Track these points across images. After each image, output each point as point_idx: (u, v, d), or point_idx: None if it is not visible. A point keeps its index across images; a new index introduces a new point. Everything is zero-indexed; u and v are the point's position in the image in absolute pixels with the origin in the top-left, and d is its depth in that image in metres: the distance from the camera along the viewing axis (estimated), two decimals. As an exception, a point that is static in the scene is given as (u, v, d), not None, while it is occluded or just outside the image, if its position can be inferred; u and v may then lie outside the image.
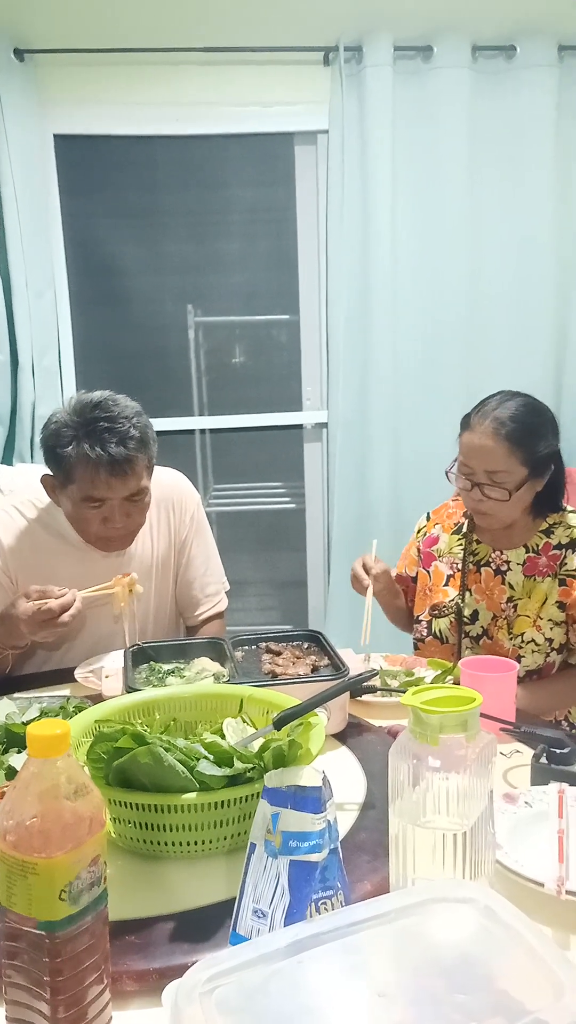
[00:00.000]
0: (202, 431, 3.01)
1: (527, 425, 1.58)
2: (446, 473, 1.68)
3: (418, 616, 1.80)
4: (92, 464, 1.53)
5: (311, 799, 0.77)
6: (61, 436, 1.56)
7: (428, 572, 1.80)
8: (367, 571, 1.71)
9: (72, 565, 1.69)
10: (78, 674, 1.58)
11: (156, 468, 1.84)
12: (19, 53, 2.54)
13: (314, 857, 0.76)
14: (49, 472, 1.64)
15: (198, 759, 0.94)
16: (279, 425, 2.97)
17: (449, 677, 1.47)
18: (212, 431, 3.01)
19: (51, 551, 1.70)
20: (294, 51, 2.61)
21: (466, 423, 1.63)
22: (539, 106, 2.65)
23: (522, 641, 1.65)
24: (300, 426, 2.97)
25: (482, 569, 1.72)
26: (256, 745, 1.01)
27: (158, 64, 2.61)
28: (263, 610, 3.23)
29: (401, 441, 2.79)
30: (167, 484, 1.83)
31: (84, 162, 2.78)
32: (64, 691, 1.51)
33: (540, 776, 1.11)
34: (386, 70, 2.58)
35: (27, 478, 2.08)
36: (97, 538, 1.66)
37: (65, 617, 1.48)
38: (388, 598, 1.80)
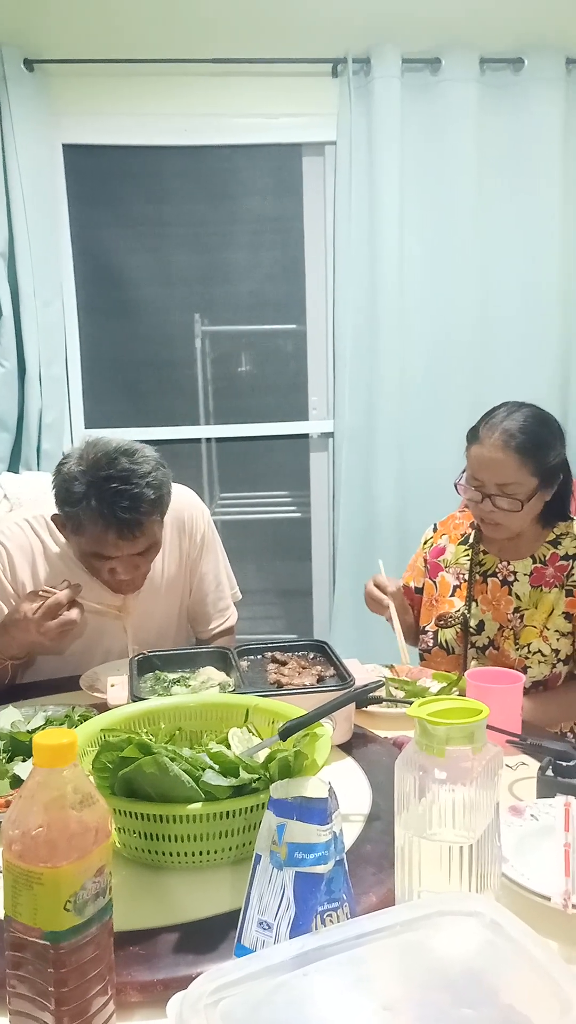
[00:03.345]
0: (208, 440, 3.01)
1: (537, 436, 1.58)
2: (455, 485, 1.68)
3: (424, 627, 1.79)
4: (101, 525, 1.48)
5: (317, 810, 0.77)
6: (72, 493, 1.50)
7: (434, 583, 1.79)
8: (383, 590, 1.70)
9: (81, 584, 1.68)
10: (83, 682, 1.58)
11: None
12: (29, 63, 2.56)
13: (320, 869, 0.76)
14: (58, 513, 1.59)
15: (203, 769, 0.94)
16: (285, 434, 2.98)
17: (455, 689, 1.47)
18: (218, 440, 3.01)
19: (60, 573, 1.68)
20: (302, 63, 2.62)
21: (474, 436, 1.63)
22: (546, 119, 2.66)
23: (528, 652, 1.65)
24: (306, 436, 2.97)
25: (488, 579, 1.72)
26: (262, 755, 1.01)
27: (167, 75, 2.63)
28: (268, 619, 3.22)
29: (407, 451, 2.79)
30: (178, 504, 1.75)
31: (92, 172, 2.79)
32: (69, 700, 1.50)
33: (546, 789, 1.10)
34: (394, 82, 2.60)
35: (33, 487, 2.08)
36: (106, 583, 1.64)
37: (73, 613, 1.47)
38: (400, 615, 1.79)
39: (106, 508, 1.47)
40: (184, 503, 1.81)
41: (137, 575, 1.63)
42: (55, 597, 1.46)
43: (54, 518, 1.62)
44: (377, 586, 1.75)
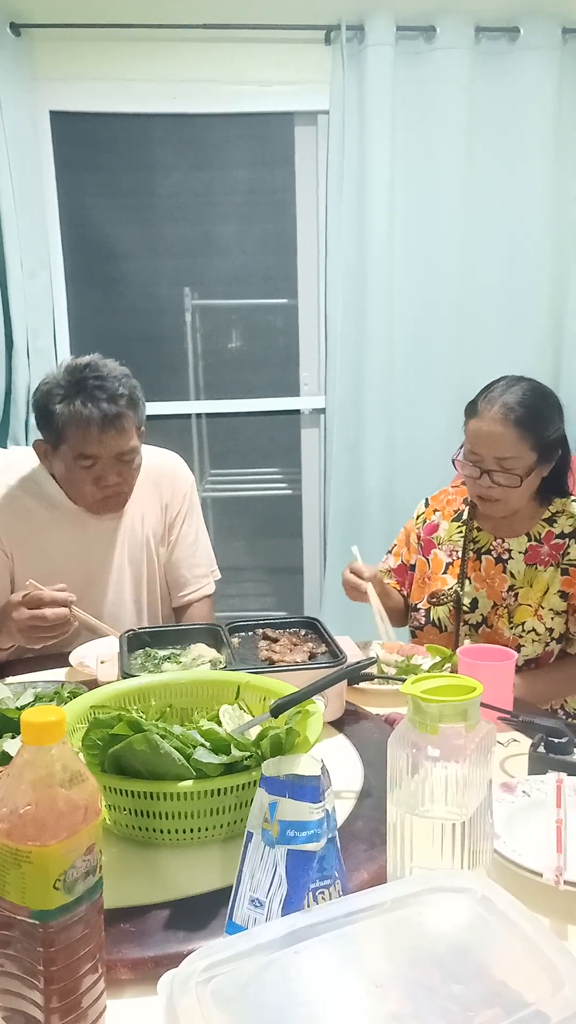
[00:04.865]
0: (198, 415, 2.99)
1: (536, 409, 1.57)
2: (453, 461, 1.66)
3: (416, 604, 1.78)
4: (83, 421, 1.57)
5: (309, 788, 0.76)
6: (52, 395, 1.60)
7: (427, 560, 1.78)
8: (359, 575, 1.66)
9: (64, 532, 1.71)
10: (73, 659, 1.57)
11: (154, 449, 1.84)
12: (15, 27, 2.49)
13: (312, 847, 0.75)
14: (41, 437, 1.66)
15: (194, 746, 0.93)
16: (276, 410, 2.95)
17: (447, 665, 1.47)
18: (208, 415, 2.99)
19: (41, 519, 1.71)
20: (295, 29, 2.57)
21: (472, 410, 1.61)
22: (541, 89, 2.62)
23: (522, 630, 1.65)
24: (297, 411, 2.95)
25: (483, 557, 1.71)
26: (253, 733, 1.00)
27: (157, 40, 2.57)
28: (258, 596, 3.22)
29: (399, 427, 2.77)
30: (162, 462, 1.87)
31: (80, 140, 2.74)
32: (59, 676, 1.49)
33: (538, 765, 1.10)
34: (388, 50, 2.55)
35: (21, 459, 2.05)
36: (91, 501, 1.68)
37: (47, 612, 1.50)
38: (382, 599, 1.77)
39: (88, 400, 1.58)
40: (169, 463, 1.89)
41: (121, 484, 1.67)
42: (40, 591, 1.51)
43: (36, 445, 1.68)
44: (353, 572, 1.70)
